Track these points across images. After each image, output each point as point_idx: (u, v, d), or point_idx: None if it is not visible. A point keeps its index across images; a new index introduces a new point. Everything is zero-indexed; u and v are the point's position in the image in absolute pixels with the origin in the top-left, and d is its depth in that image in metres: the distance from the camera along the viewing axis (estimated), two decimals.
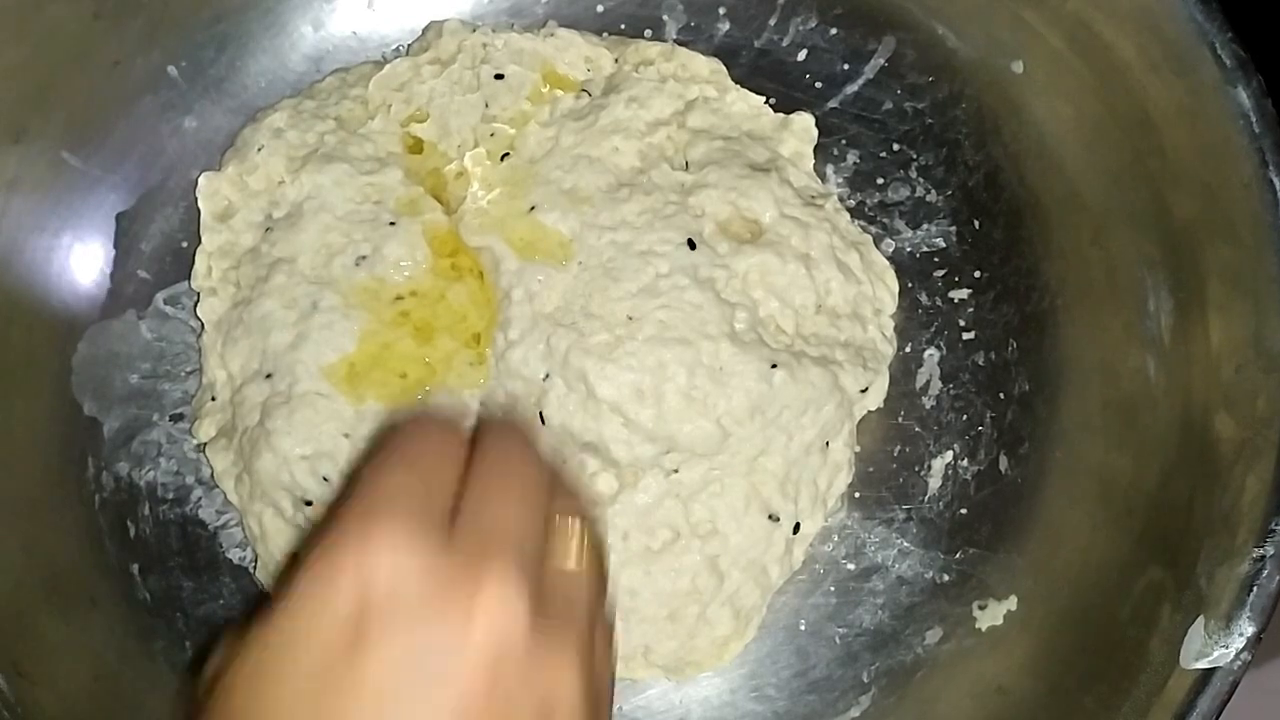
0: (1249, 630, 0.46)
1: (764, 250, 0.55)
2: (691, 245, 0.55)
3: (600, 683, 0.36)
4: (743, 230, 0.56)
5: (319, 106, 0.59)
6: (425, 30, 0.61)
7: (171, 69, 0.59)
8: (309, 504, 0.53)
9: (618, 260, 0.54)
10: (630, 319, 0.53)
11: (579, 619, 0.35)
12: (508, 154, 0.58)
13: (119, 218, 0.59)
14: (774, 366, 0.53)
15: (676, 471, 0.53)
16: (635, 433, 0.53)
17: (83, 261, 0.58)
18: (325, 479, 0.53)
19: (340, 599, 0.32)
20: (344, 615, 0.32)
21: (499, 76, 0.59)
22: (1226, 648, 0.46)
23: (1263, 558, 0.46)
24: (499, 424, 0.40)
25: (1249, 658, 0.46)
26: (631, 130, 0.57)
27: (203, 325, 0.57)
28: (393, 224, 0.56)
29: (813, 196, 0.58)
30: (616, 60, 0.60)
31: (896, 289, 0.59)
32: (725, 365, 0.53)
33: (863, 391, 0.56)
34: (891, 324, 0.59)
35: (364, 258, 0.55)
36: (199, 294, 0.57)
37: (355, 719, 0.31)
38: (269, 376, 0.55)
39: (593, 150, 0.57)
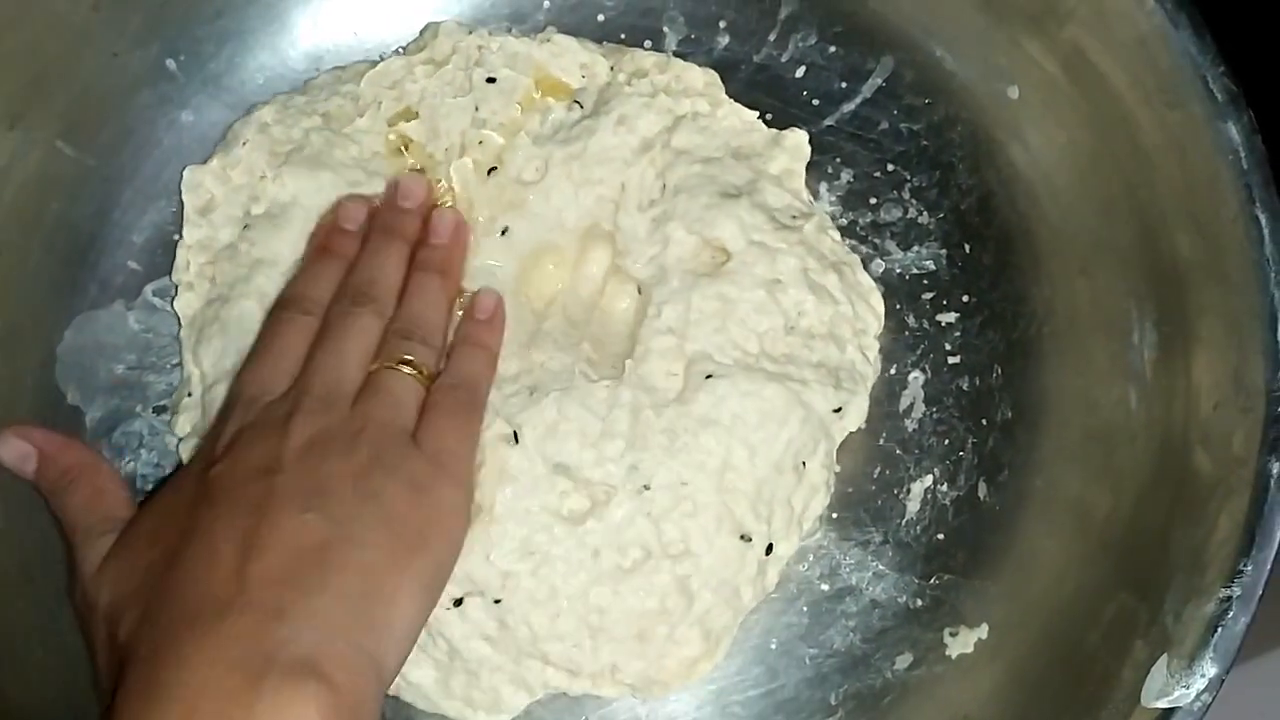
0: (1211, 671, 0.45)
1: (721, 281, 0.55)
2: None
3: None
4: (710, 259, 0.56)
5: (308, 102, 0.59)
6: (422, 31, 0.61)
7: (170, 62, 0.60)
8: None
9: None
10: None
11: (387, 424, 0.49)
12: (494, 169, 0.58)
13: (111, 208, 0.59)
14: (708, 377, 0.53)
15: (648, 488, 0.53)
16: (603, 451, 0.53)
17: (72, 250, 0.58)
18: None
19: (220, 441, 0.48)
20: (219, 451, 0.48)
21: (491, 80, 0.59)
22: (1188, 688, 0.46)
23: (1230, 598, 0.46)
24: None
25: (1209, 699, 0.45)
26: (617, 160, 0.57)
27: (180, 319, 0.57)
28: None
29: (794, 217, 0.58)
30: (612, 68, 0.60)
31: (882, 311, 0.59)
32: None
33: (836, 411, 0.55)
34: (876, 345, 0.58)
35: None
36: (177, 287, 0.57)
37: (207, 505, 0.46)
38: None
39: (579, 184, 0.57)
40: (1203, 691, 0.46)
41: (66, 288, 0.58)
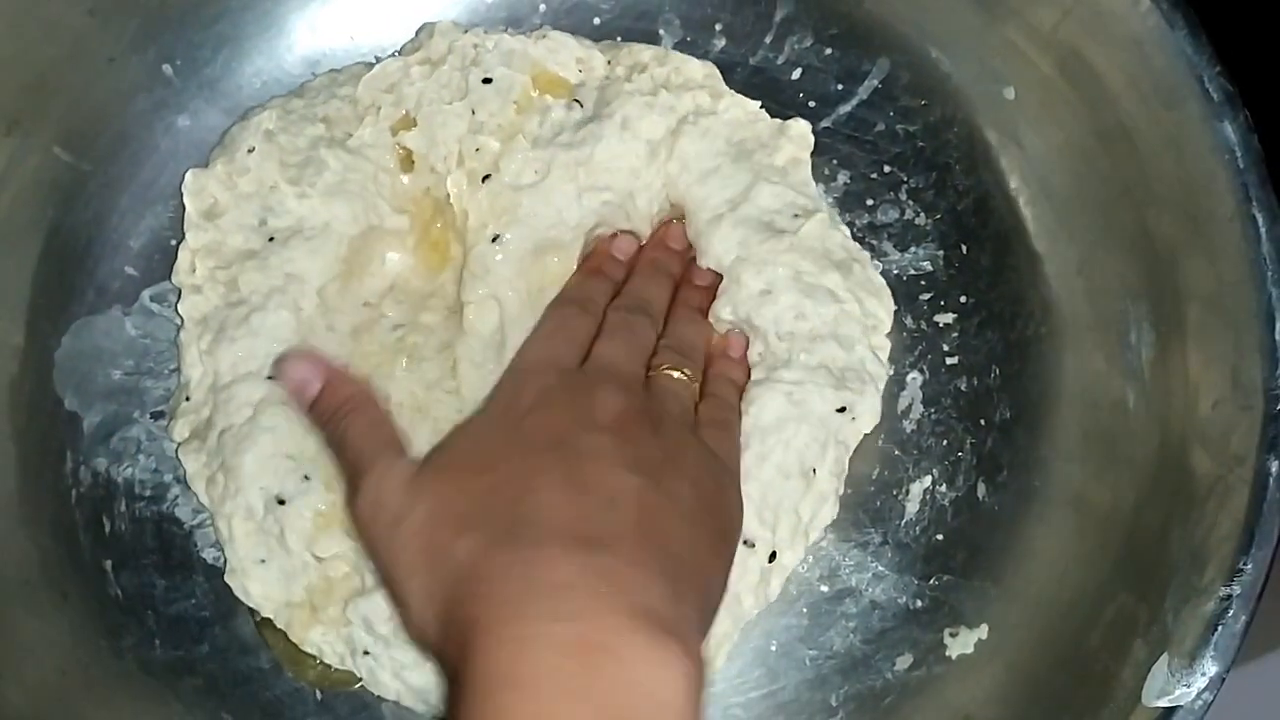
0: (1212, 670, 0.45)
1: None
2: None
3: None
4: None
5: (307, 105, 0.59)
6: (418, 32, 0.61)
7: (166, 67, 0.60)
8: (282, 503, 0.53)
9: None
10: None
11: (680, 418, 0.51)
12: (489, 176, 0.58)
13: (109, 214, 0.59)
14: None
15: None
16: None
17: (69, 256, 0.58)
18: (306, 478, 0.54)
19: (524, 396, 0.49)
20: (526, 404, 0.49)
21: (487, 81, 0.59)
22: (1189, 686, 0.46)
23: (1229, 597, 0.46)
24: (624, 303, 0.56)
25: (1211, 698, 0.45)
26: (624, 169, 0.58)
27: (181, 321, 0.57)
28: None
29: (795, 215, 0.58)
30: (609, 63, 0.60)
31: (892, 307, 0.58)
32: None
33: (841, 410, 0.55)
34: (888, 344, 0.58)
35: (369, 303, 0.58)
36: (180, 289, 0.57)
37: (534, 452, 0.46)
38: (271, 378, 0.55)
39: (584, 188, 0.58)
40: (1204, 690, 0.46)
41: (64, 293, 0.58)
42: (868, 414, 0.56)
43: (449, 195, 0.58)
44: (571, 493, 0.44)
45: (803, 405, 0.54)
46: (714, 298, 0.58)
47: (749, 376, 0.57)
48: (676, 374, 0.53)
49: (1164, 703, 0.46)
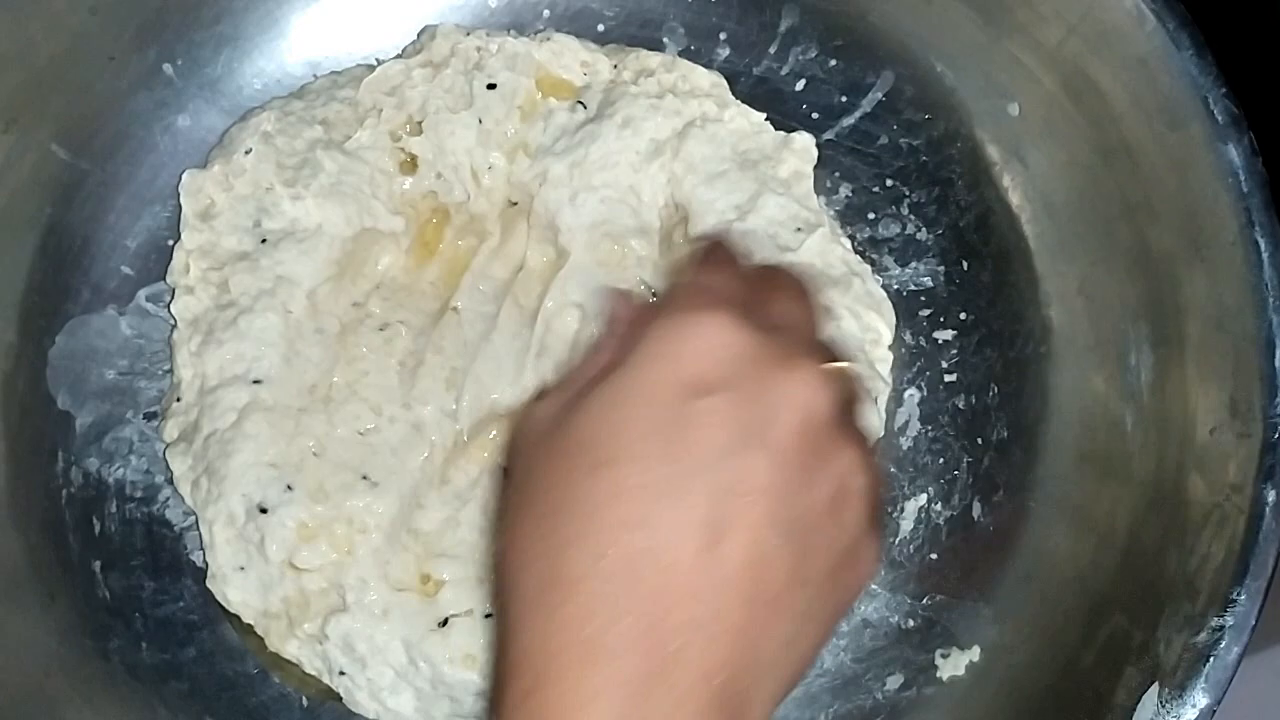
0: (1202, 702, 0.45)
1: None
2: None
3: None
4: None
5: (306, 108, 0.59)
6: (420, 34, 0.61)
7: (167, 67, 0.59)
8: (264, 511, 0.53)
9: None
10: None
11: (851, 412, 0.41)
12: (516, 203, 0.58)
13: (106, 213, 0.59)
14: None
15: None
16: None
17: (66, 255, 0.58)
18: (289, 488, 0.53)
19: (684, 364, 0.37)
20: (686, 378, 0.37)
21: (491, 86, 0.58)
22: (1178, 718, 0.45)
23: (1221, 628, 0.45)
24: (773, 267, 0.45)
25: None
26: (622, 165, 0.57)
27: (174, 322, 0.57)
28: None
29: (798, 229, 0.57)
30: (615, 67, 0.60)
31: (894, 320, 0.58)
32: None
33: None
34: (889, 357, 0.58)
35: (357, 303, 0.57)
36: (174, 289, 0.57)
37: (691, 453, 0.36)
38: (257, 382, 0.55)
39: (579, 188, 0.57)
40: None
41: (59, 292, 0.58)
42: (867, 429, 0.55)
43: (464, 200, 0.58)
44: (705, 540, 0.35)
45: None
46: None
47: None
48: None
49: None
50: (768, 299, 0.42)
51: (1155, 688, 0.46)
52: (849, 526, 0.38)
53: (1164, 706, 0.45)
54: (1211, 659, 0.45)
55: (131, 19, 0.58)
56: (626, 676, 0.34)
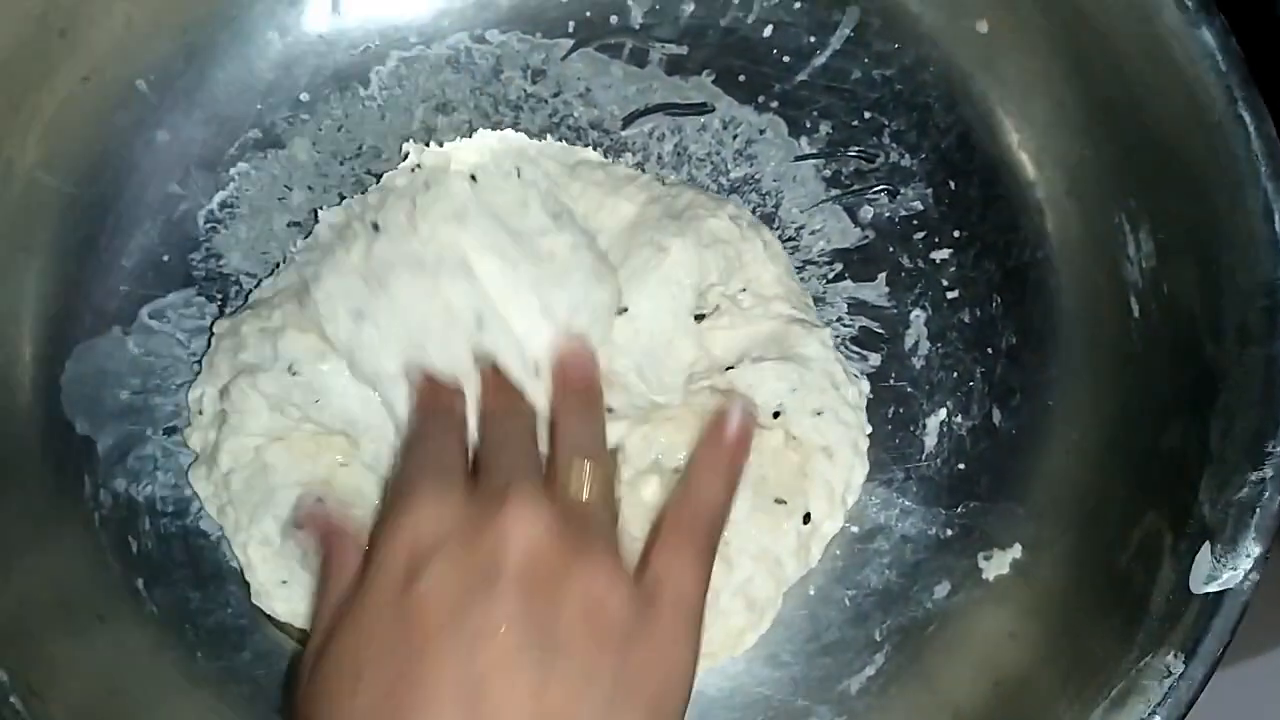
0: (1256, 550, 0.46)
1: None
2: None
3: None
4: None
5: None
6: None
7: (140, 83, 0.59)
8: (299, 527, 0.53)
9: None
10: None
11: (602, 534, 0.42)
12: None
13: (97, 234, 0.58)
14: None
15: (677, 470, 0.53)
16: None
17: (64, 280, 0.57)
18: (320, 500, 0.53)
19: (398, 556, 0.41)
20: (402, 566, 0.40)
21: None
22: (1235, 569, 0.46)
23: (1262, 479, 0.47)
24: (500, 393, 0.48)
25: (1257, 577, 0.46)
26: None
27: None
28: None
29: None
30: None
31: (867, 387, 0.59)
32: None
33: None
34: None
35: None
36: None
37: (421, 640, 0.38)
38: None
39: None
40: (1250, 570, 0.46)
41: (62, 318, 0.57)
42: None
43: None
44: (462, 710, 0.38)
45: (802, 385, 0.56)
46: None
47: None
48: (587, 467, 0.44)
49: (1213, 588, 0.47)
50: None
51: (1207, 546, 0.48)
52: (619, 627, 0.40)
53: (1219, 561, 0.47)
54: (1258, 510, 0.47)
55: (100, 38, 0.57)
56: None
